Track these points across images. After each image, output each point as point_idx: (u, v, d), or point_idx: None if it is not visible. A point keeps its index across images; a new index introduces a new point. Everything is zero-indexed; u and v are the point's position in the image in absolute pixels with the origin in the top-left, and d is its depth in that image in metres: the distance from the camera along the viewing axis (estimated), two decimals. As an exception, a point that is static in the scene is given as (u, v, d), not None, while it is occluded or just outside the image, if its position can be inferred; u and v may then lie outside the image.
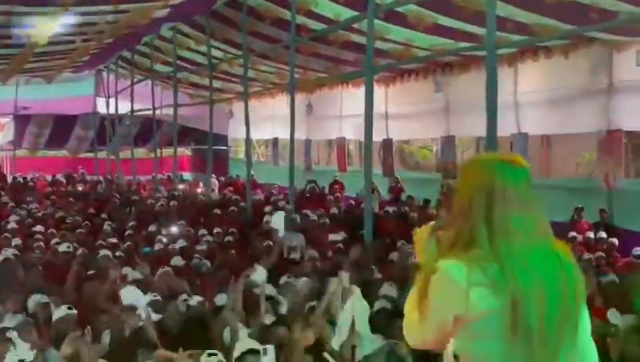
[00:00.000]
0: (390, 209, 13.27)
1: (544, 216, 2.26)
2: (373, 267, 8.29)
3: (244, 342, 4.87)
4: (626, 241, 11.18)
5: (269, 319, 5.83)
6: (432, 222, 2.43)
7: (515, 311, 2.13)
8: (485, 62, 8.62)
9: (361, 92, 17.47)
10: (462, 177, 2.33)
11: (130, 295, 6.40)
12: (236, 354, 4.71)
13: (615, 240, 10.98)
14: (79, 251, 9.97)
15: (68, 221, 13.51)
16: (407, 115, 17.10)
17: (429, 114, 16.35)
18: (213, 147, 19.45)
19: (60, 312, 6.02)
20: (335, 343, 5.03)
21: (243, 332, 5.33)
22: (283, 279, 7.40)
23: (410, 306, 2.33)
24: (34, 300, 6.55)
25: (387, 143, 17.79)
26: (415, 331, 2.31)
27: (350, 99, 18.72)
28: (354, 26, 12.81)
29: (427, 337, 2.28)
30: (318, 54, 15.51)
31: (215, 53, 17.51)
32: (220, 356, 4.65)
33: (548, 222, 2.26)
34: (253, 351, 4.67)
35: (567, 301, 2.19)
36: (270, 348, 4.67)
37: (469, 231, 2.21)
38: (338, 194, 17.32)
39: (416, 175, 18.09)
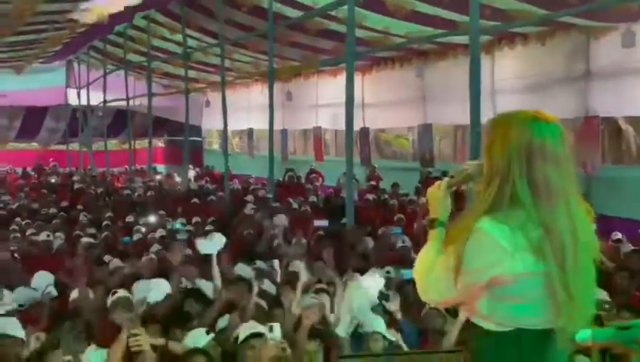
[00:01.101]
0: (370, 197, 13.30)
1: (577, 172, 2.25)
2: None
3: (247, 325, 4.85)
4: (605, 226, 11.35)
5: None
6: (445, 179, 2.43)
7: (559, 271, 2.13)
8: (462, 50, 8.79)
9: (337, 81, 17.58)
10: (495, 135, 2.25)
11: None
12: (241, 337, 4.70)
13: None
14: (58, 239, 9.89)
15: (42, 212, 13.35)
16: (384, 104, 17.13)
17: (405, 102, 16.39)
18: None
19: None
20: (341, 330, 5.06)
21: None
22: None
23: (426, 264, 2.32)
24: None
25: (364, 132, 17.81)
26: (438, 289, 2.28)
27: (326, 88, 18.72)
28: (331, 13, 12.79)
29: (452, 296, 2.27)
30: (294, 43, 15.46)
31: (190, 42, 17.39)
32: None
33: (578, 178, 2.24)
34: (258, 334, 4.67)
35: (592, 254, 2.22)
36: (276, 325, 4.67)
37: (510, 191, 2.17)
38: (317, 183, 17.33)
39: (393, 163, 18.12)
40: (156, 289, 6.09)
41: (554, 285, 2.14)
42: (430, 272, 2.30)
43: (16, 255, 8.99)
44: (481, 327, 2.26)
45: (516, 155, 2.17)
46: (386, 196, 13.63)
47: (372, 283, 5.19)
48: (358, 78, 17.12)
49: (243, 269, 7.07)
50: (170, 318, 5.41)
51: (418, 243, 9.13)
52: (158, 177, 21.10)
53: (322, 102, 19.28)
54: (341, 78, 16.83)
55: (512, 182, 2.17)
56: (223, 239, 6.93)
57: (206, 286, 6.51)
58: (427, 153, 16.28)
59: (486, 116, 13.66)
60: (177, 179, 20.38)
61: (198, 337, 4.80)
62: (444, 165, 15.04)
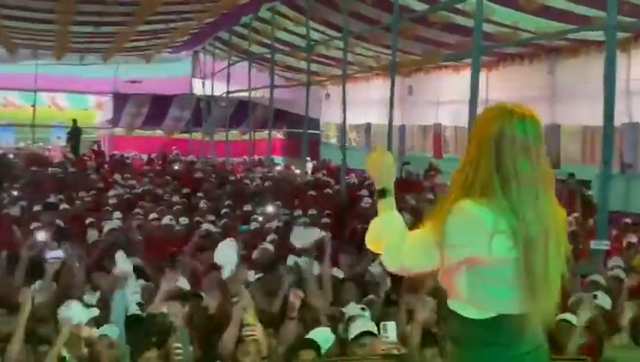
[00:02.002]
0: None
1: (548, 167, 2.37)
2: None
3: (360, 323, 4.82)
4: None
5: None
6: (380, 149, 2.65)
7: (527, 259, 2.27)
8: (596, 47, 8.35)
9: (460, 77, 17.31)
10: (474, 127, 2.43)
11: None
12: (353, 334, 4.69)
13: None
14: (178, 225, 10.25)
15: (165, 198, 13.87)
16: (509, 101, 16.67)
17: (532, 100, 15.90)
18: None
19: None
20: None
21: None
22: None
23: (394, 232, 2.45)
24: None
25: (486, 130, 17.43)
26: (414, 258, 2.41)
27: (448, 83, 18.47)
28: (457, 6, 12.60)
29: (429, 267, 2.40)
30: (418, 36, 15.33)
31: (313, 35, 17.58)
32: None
33: (552, 174, 2.39)
34: (370, 333, 4.65)
35: (561, 245, 2.37)
36: (391, 324, 4.58)
37: (481, 178, 2.31)
38: (435, 181, 17.14)
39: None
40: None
41: (525, 272, 2.28)
42: (401, 241, 2.41)
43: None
44: (461, 315, 2.38)
45: (486, 146, 2.32)
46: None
47: None
48: (482, 74, 16.78)
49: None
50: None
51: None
52: (278, 168, 21.49)
53: (443, 98, 19.03)
54: (464, 74, 16.54)
55: (482, 172, 2.32)
56: (318, 235, 6.94)
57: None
58: (553, 155, 15.74)
59: (619, 118, 13.16)
60: (295, 170, 20.68)
61: (323, 334, 4.79)
62: (570, 168, 14.53)
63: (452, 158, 18.50)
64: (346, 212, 12.09)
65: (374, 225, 2.52)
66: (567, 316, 5.32)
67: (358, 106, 22.01)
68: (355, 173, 19.89)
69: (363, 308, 5.33)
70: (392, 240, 2.44)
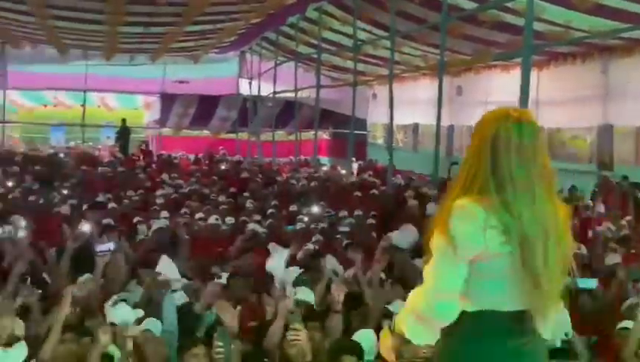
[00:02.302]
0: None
1: (548, 169, 2.44)
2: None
3: None
4: None
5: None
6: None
7: (524, 256, 2.34)
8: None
9: (510, 76, 17.10)
10: (474, 130, 2.53)
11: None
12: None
13: None
14: (224, 225, 10.33)
15: (212, 197, 14.00)
16: (561, 101, 16.44)
17: (585, 100, 15.65)
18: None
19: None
20: None
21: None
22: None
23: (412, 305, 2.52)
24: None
25: (537, 131, 17.18)
26: (446, 292, 2.41)
27: (498, 83, 18.25)
28: (507, 5, 12.44)
29: (459, 285, 2.39)
30: (467, 35, 15.19)
31: (360, 34, 17.55)
32: None
33: (552, 172, 2.45)
34: None
35: (563, 244, 2.42)
36: None
37: (477, 179, 2.41)
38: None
39: (567, 165, 17.34)
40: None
41: (523, 269, 2.35)
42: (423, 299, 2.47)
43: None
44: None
45: (483, 148, 2.42)
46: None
47: None
48: (533, 74, 16.54)
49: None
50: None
51: (593, 251, 8.69)
52: (324, 169, 21.51)
53: (493, 98, 18.79)
54: (515, 73, 16.32)
55: (479, 173, 2.41)
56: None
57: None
58: (606, 156, 15.45)
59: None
60: (341, 171, 20.67)
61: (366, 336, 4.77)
62: (624, 169, 14.22)
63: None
64: (391, 213, 12.02)
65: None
66: (626, 323, 5.22)
67: (406, 106, 21.90)
68: (402, 174, 19.80)
69: None
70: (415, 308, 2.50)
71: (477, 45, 16.09)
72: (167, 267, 6.19)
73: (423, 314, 2.44)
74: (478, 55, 16.59)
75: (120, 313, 4.88)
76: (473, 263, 2.37)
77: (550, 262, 2.38)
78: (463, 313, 2.42)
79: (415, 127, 23.63)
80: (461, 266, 2.37)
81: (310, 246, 8.54)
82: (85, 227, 7.61)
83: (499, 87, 18.01)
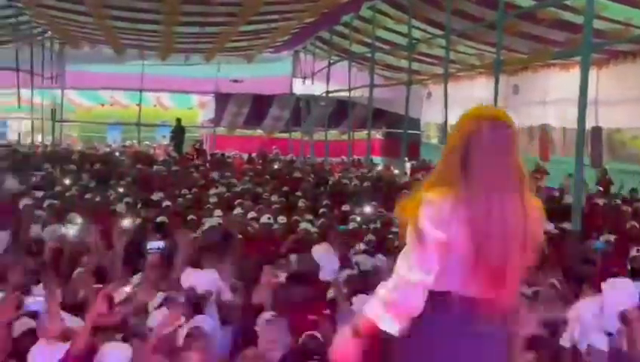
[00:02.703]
0: (600, 201, 12.56)
1: (520, 168, 2.57)
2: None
3: None
4: None
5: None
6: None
7: (482, 249, 2.48)
8: None
9: (569, 75, 16.79)
10: (452, 129, 2.68)
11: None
12: None
13: None
14: (276, 224, 10.39)
15: (264, 197, 14.10)
16: (621, 101, 16.08)
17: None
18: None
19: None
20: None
21: None
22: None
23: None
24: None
25: (596, 131, 16.83)
26: (407, 265, 2.54)
27: (556, 82, 17.95)
28: (566, 2, 12.24)
29: (417, 263, 2.51)
30: (524, 33, 14.99)
31: (414, 33, 17.47)
32: None
33: (523, 173, 2.57)
34: None
35: (524, 240, 2.53)
36: None
37: (448, 173, 2.56)
38: (539, 184, 16.68)
39: (627, 166, 16.97)
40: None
41: (480, 261, 2.48)
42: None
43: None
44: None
45: (457, 145, 2.57)
46: (618, 201, 12.79)
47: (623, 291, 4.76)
48: (592, 72, 16.22)
49: None
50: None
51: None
52: (379, 168, 21.47)
53: (551, 97, 18.51)
54: (573, 72, 16.03)
55: (450, 168, 2.56)
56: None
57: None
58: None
59: None
60: (394, 171, 20.60)
61: None
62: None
63: (559, 160, 17.97)
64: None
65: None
66: None
67: (461, 106, 21.48)
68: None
69: None
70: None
71: (534, 43, 15.86)
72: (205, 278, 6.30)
73: (393, 302, 2.54)
74: (536, 53, 16.34)
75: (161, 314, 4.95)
76: (441, 251, 2.50)
77: (508, 259, 2.50)
78: (430, 294, 2.55)
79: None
80: (430, 256, 2.51)
81: (362, 246, 8.55)
82: (127, 222, 7.74)
83: (557, 86, 17.72)
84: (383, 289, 2.59)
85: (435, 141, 27.19)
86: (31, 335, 4.60)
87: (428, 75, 21.67)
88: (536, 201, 2.63)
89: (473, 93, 21.75)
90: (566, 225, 10.01)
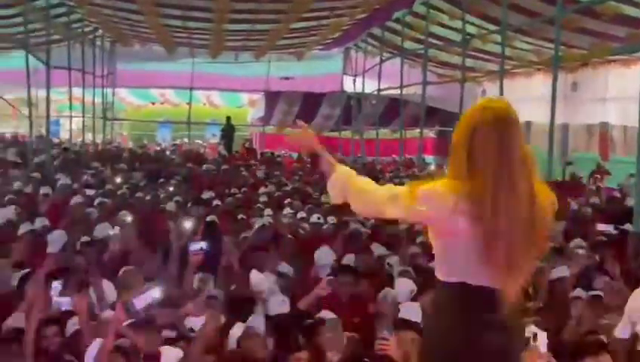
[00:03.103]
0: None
1: (527, 157, 2.62)
2: None
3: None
4: None
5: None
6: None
7: (488, 249, 2.55)
8: None
9: (630, 72, 16.45)
10: (457, 124, 2.76)
11: None
12: None
13: None
14: (326, 224, 10.38)
15: (314, 196, 14.12)
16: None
17: None
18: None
19: None
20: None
21: None
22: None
23: (357, 179, 2.91)
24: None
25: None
26: (377, 204, 2.77)
27: (617, 80, 17.57)
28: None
29: (387, 211, 2.73)
30: (583, 29, 14.69)
31: (469, 29, 17.28)
32: None
33: (531, 163, 2.63)
34: None
35: (532, 233, 2.59)
36: (542, 334, 4.40)
37: (455, 167, 2.65)
38: (599, 184, 16.37)
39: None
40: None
41: (486, 251, 2.56)
42: (375, 188, 2.83)
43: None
44: (437, 278, 2.71)
45: (462, 139, 2.64)
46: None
47: None
48: (656, 69, 15.91)
49: None
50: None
51: None
52: (431, 168, 21.30)
53: (611, 94, 18.12)
54: (635, 69, 15.72)
55: (456, 162, 2.65)
56: None
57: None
58: None
59: None
60: (447, 171, 20.41)
61: None
62: None
63: (620, 160, 17.59)
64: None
65: (338, 179, 2.96)
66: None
67: (518, 103, 20.89)
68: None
69: None
70: (366, 187, 2.84)
71: (594, 39, 15.54)
72: (258, 280, 6.32)
73: (357, 195, 2.83)
74: (596, 49, 16.00)
75: None
76: (444, 238, 2.64)
77: (516, 256, 2.57)
78: (441, 282, 2.69)
79: (527, 126, 22.99)
80: (406, 214, 2.72)
81: (414, 248, 8.48)
82: (187, 224, 7.81)
83: (617, 83, 17.35)
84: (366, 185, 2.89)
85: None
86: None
87: (482, 72, 21.40)
88: (547, 190, 2.69)
89: (530, 90, 21.42)
90: (627, 227, 9.79)
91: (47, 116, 17.64)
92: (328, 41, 24.43)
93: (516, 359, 2.76)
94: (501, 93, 15.06)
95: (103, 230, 8.49)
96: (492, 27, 16.54)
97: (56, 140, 25.25)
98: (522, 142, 2.63)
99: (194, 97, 30.25)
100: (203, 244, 6.46)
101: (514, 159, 2.58)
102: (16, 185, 12.99)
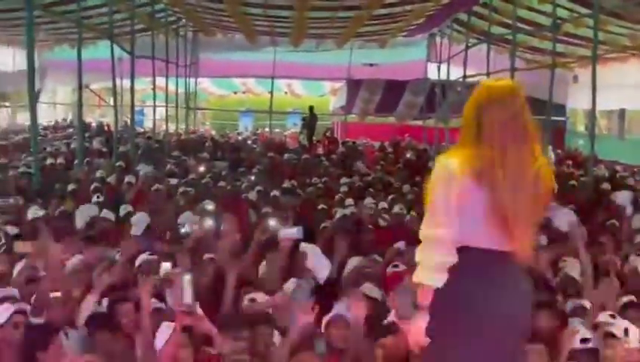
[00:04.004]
0: None
1: (529, 125, 2.98)
2: None
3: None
4: None
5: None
6: None
7: (493, 199, 2.86)
8: None
9: None
10: (467, 102, 3.10)
11: None
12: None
13: None
14: (408, 215, 10.33)
15: (396, 186, 14.07)
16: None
17: None
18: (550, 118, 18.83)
19: None
20: None
21: None
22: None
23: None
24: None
25: None
26: (428, 225, 2.97)
27: None
28: None
29: (438, 223, 2.90)
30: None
31: (560, 12, 16.84)
32: None
33: (533, 132, 2.98)
34: (611, 335, 4.41)
35: (534, 201, 2.92)
36: (634, 329, 4.28)
37: (465, 135, 3.00)
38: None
39: None
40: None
41: (492, 210, 2.87)
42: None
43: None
44: None
45: (472, 112, 3.01)
46: None
47: None
48: None
49: None
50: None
51: None
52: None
53: None
54: None
55: (467, 130, 3.00)
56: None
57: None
58: None
59: None
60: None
61: None
62: None
63: None
64: (593, 207, 11.48)
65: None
66: None
67: (611, 90, 20.75)
68: (605, 163, 18.86)
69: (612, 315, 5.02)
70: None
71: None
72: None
73: (425, 261, 2.95)
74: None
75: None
76: (457, 205, 2.89)
77: (519, 207, 2.86)
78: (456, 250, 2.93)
79: (621, 113, 22.34)
80: (442, 210, 2.91)
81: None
82: (272, 221, 7.89)
83: None
84: (417, 254, 3.00)
85: (582, 129, 26.18)
86: (157, 315, 4.81)
87: (574, 57, 20.86)
88: (546, 164, 3.02)
89: (624, 76, 20.76)
90: None
91: (132, 106, 18.14)
92: (412, 27, 24.21)
93: (523, 319, 3.04)
94: (593, 80, 14.64)
95: (187, 219, 8.68)
96: (584, 10, 16.08)
97: (140, 129, 25.93)
98: (528, 117, 2.99)
99: (275, 86, 30.52)
100: (294, 231, 6.53)
101: (517, 126, 2.94)
102: (100, 173, 13.42)
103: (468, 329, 2.93)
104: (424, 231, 2.97)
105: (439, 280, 2.92)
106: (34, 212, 8.63)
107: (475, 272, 2.93)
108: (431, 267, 2.93)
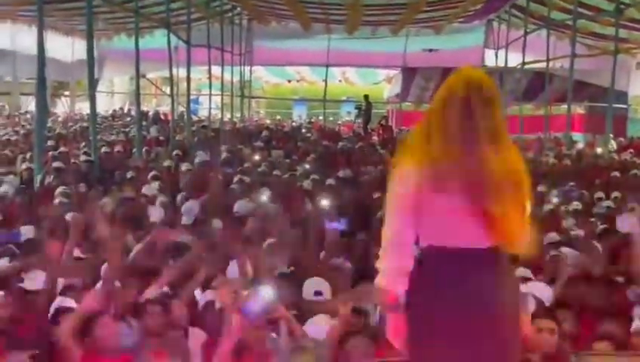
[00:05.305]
0: None
1: (498, 121, 2.76)
2: None
3: None
4: None
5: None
6: None
7: (470, 193, 2.68)
8: None
9: None
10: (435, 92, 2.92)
11: None
12: None
13: None
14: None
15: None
16: None
17: None
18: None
19: None
20: None
21: None
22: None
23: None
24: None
25: None
26: (387, 226, 2.81)
27: None
28: None
29: (395, 226, 2.78)
30: None
31: (623, -4, 16.53)
32: None
33: (502, 125, 2.78)
34: None
35: (505, 189, 2.70)
36: None
37: (432, 131, 2.78)
38: None
39: None
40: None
41: (469, 208, 2.69)
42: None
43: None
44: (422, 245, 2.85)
45: (436, 107, 2.82)
46: None
47: None
48: None
49: None
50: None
51: None
52: (580, 146, 20.61)
53: None
54: None
55: (431, 126, 2.80)
56: None
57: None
58: None
59: None
60: (597, 149, 19.66)
61: None
62: None
63: None
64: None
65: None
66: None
67: (675, 77, 20.32)
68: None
69: None
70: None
71: None
72: None
73: (387, 266, 2.79)
74: None
75: None
76: (418, 206, 2.74)
77: (500, 200, 2.68)
78: (424, 248, 2.82)
79: (686, 100, 21.79)
80: (402, 213, 2.76)
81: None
82: (323, 206, 7.95)
83: None
84: (378, 258, 2.85)
85: (643, 116, 25.66)
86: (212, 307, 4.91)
87: (637, 43, 20.41)
88: (518, 157, 2.80)
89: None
90: None
91: (188, 94, 18.38)
92: (470, 13, 23.99)
93: (500, 321, 2.80)
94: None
95: (243, 206, 8.79)
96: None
97: (195, 118, 26.25)
98: (495, 111, 2.76)
99: (330, 74, 30.54)
100: (339, 224, 6.59)
101: (479, 127, 2.72)
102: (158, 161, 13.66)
103: (431, 333, 2.80)
104: (383, 233, 2.82)
105: (400, 283, 2.78)
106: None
107: (439, 272, 2.79)
108: (390, 271, 2.79)
